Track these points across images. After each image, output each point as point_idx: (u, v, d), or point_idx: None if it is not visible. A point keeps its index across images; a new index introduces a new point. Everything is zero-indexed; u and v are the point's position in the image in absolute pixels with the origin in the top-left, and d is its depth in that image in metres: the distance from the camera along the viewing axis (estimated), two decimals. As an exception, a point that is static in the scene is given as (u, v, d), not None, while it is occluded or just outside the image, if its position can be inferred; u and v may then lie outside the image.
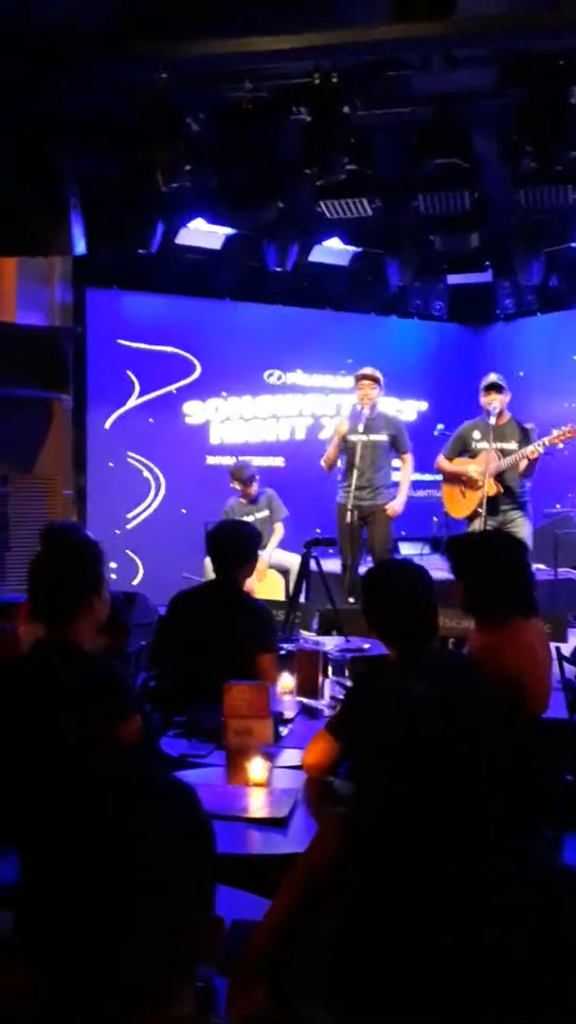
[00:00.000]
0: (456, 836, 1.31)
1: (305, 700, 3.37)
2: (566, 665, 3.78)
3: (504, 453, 6.34)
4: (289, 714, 3.20)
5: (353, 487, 6.51)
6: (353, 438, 6.57)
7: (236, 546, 3.78)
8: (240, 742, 2.69)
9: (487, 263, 8.74)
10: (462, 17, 4.76)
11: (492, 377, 6.47)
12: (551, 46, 5.05)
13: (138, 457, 8.39)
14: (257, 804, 2.31)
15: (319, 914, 1.43)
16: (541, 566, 7.32)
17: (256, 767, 2.45)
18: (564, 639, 4.84)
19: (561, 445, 6.52)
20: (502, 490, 6.33)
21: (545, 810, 2.78)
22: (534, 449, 6.15)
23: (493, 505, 6.32)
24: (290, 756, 2.70)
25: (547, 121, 5.19)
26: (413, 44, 5.06)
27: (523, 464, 6.24)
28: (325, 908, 1.42)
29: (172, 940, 0.87)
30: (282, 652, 3.84)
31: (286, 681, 3.50)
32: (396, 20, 4.79)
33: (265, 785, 2.43)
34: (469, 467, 6.46)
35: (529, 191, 5.80)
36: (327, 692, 3.44)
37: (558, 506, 8.48)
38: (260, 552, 4.21)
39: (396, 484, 6.82)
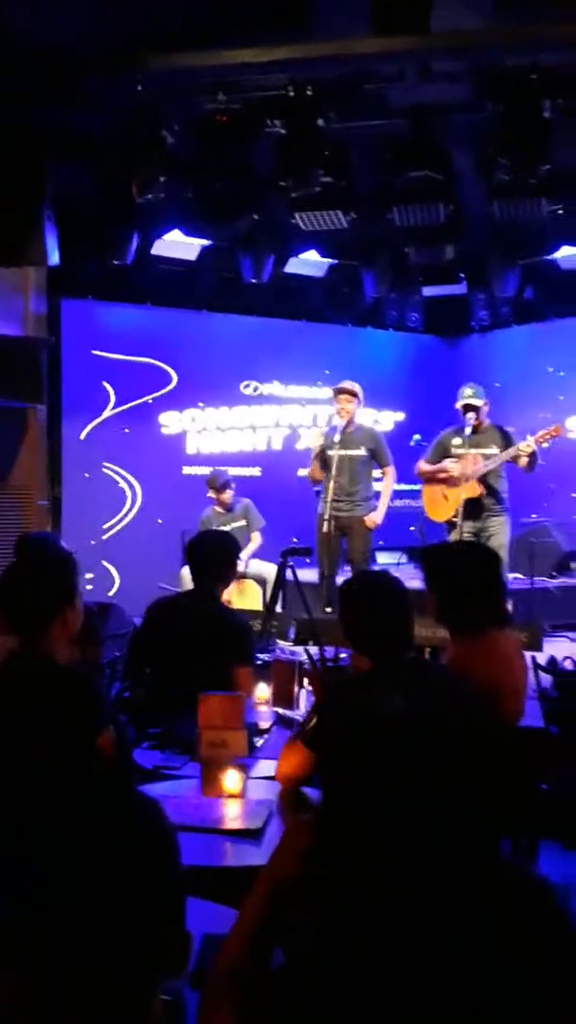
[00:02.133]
0: (433, 848, 1.30)
1: (281, 710, 3.36)
2: (541, 674, 3.79)
3: (485, 457, 6.37)
4: (264, 725, 3.19)
5: (331, 499, 6.51)
6: (331, 452, 6.58)
7: (216, 557, 3.76)
8: (214, 754, 2.67)
9: (462, 275, 8.80)
10: (438, 31, 4.81)
11: (467, 395, 6.47)
12: (525, 61, 5.10)
13: (114, 467, 8.36)
14: (231, 815, 2.30)
15: (286, 925, 1.41)
16: (518, 575, 7.35)
17: (230, 778, 2.44)
18: (539, 648, 4.85)
19: (547, 444, 6.53)
20: (484, 491, 6.35)
21: (521, 818, 2.78)
22: (527, 444, 6.16)
23: (474, 508, 6.33)
24: (265, 767, 2.69)
25: (521, 135, 5.24)
26: (390, 57, 5.10)
27: (523, 462, 6.24)
28: (291, 919, 1.40)
29: (135, 955, 0.86)
30: (258, 662, 3.83)
31: (262, 691, 3.49)
32: (373, 33, 4.83)
33: (239, 796, 2.42)
34: (450, 464, 6.46)
35: (503, 204, 5.85)
36: (303, 702, 3.43)
37: (534, 515, 8.53)
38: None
39: (377, 495, 6.83)
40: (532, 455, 6.20)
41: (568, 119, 5.34)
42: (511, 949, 1.25)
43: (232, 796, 2.41)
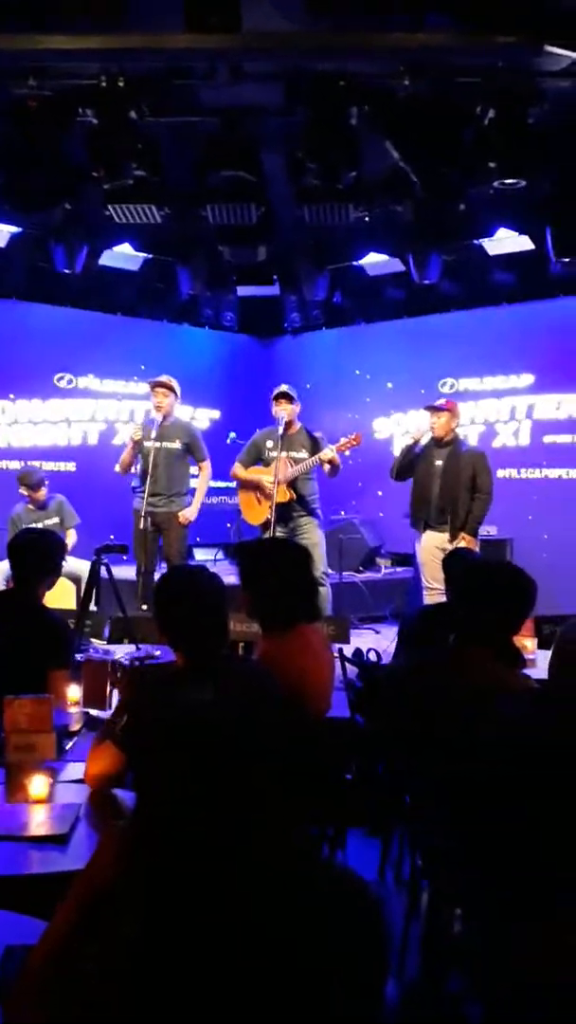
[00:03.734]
0: (240, 841, 1.32)
1: (92, 711, 3.30)
2: (348, 665, 3.91)
3: (295, 461, 6.53)
4: (75, 726, 3.13)
5: (147, 494, 6.48)
6: (148, 444, 6.55)
7: (38, 556, 3.64)
8: (21, 758, 2.61)
9: (275, 277, 8.94)
10: (249, 31, 4.86)
11: (282, 387, 6.65)
12: (334, 67, 5.23)
13: None
14: (37, 821, 2.24)
15: (100, 932, 1.40)
16: (328, 570, 7.55)
17: (36, 783, 2.37)
18: (347, 640, 5.02)
19: (348, 452, 6.79)
20: (294, 496, 6.52)
21: (329, 807, 2.86)
22: (326, 452, 6.38)
23: (284, 512, 6.49)
24: (75, 770, 2.63)
25: (329, 140, 5.38)
26: (200, 54, 5.10)
27: (326, 468, 6.46)
28: (106, 926, 1.39)
29: None
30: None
31: (73, 692, 3.42)
32: (187, 29, 4.82)
33: (46, 801, 2.36)
34: (263, 477, 6.60)
35: (312, 208, 5.98)
36: (115, 702, 3.38)
37: (342, 512, 8.81)
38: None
39: (192, 491, 6.85)
40: (333, 462, 6.44)
41: (375, 127, 5.53)
42: (321, 942, 1.29)
43: (38, 801, 2.35)
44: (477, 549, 6.40)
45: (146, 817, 1.43)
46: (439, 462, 6.44)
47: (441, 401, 6.69)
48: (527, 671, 3.02)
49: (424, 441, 6.64)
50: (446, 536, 6.33)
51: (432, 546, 6.38)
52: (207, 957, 1.27)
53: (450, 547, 6.23)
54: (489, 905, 2.14)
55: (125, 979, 1.30)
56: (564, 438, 8.18)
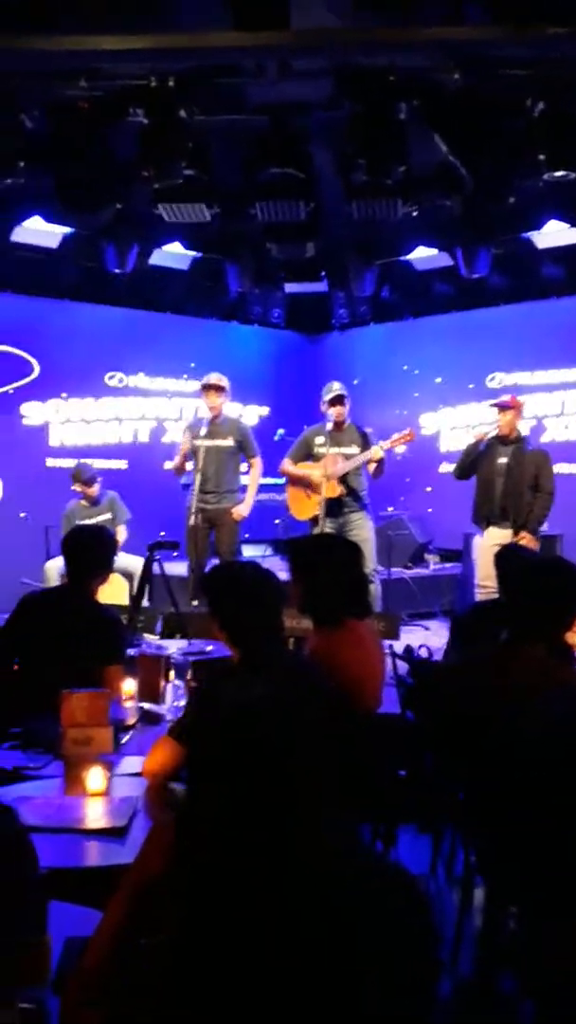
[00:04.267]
0: (291, 838, 1.33)
1: (146, 705, 3.34)
2: (398, 662, 3.91)
3: (346, 457, 6.52)
4: (130, 721, 3.17)
5: (198, 491, 6.53)
6: (197, 443, 6.59)
7: (92, 552, 3.68)
8: (78, 752, 2.65)
9: (322, 273, 8.94)
10: (298, 28, 4.86)
11: (336, 388, 6.61)
12: (382, 62, 5.22)
13: (-27, 459, 8.13)
14: (95, 814, 2.28)
15: (153, 925, 1.42)
16: (378, 567, 7.55)
17: (94, 777, 2.41)
18: (397, 637, 5.00)
19: (402, 448, 6.74)
20: (344, 491, 6.50)
21: (379, 804, 2.87)
22: (376, 451, 6.35)
23: (335, 507, 6.48)
24: (131, 763, 2.67)
25: (378, 135, 5.37)
26: (249, 52, 5.12)
27: (372, 467, 6.43)
28: (158, 918, 1.41)
29: None
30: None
31: (128, 686, 3.47)
32: (233, 28, 4.84)
33: (104, 795, 2.40)
34: (313, 472, 6.59)
35: (361, 204, 5.97)
36: (169, 696, 3.42)
37: (390, 509, 8.78)
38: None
39: (244, 488, 6.88)
40: (381, 461, 6.41)
41: (424, 121, 5.51)
42: (369, 938, 1.30)
43: (96, 795, 2.39)
44: (537, 548, 6.31)
45: (194, 810, 1.44)
46: (503, 460, 6.35)
47: (506, 398, 6.59)
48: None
49: (487, 439, 6.57)
50: (508, 534, 6.25)
51: (493, 544, 6.26)
52: (252, 952, 1.27)
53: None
54: (542, 904, 2.14)
55: (170, 973, 1.31)
56: (617, 432, 8.07)
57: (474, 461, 6.52)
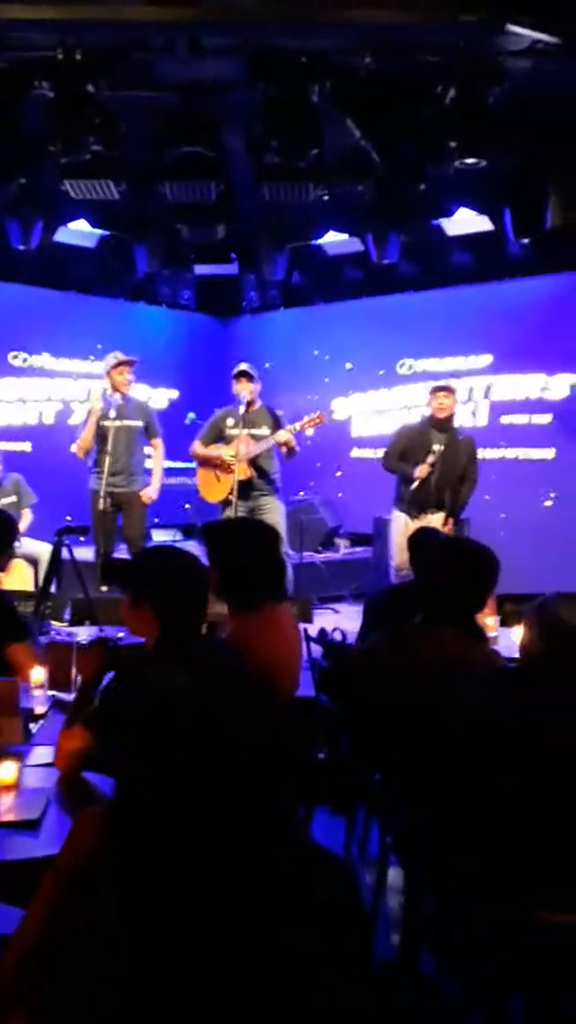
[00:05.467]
0: (221, 825, 1.31)
1: (57, 694, 3.27)
2: (313, 645, 3.92)
3: (256, 439, 6.47)
4: (40, 709, 3.09)
5: (106, 473, 6.39)
6: (106, 423, 6.44)
7: None
8: (-12, 743, 2.57)
9: (233, 255, 8.87)
10: (209, 4, 4.79)
11: (242, 366, 6.58)
12: (296, 43, 5.18)
13: None
14: (5, 807, 2.21)
15: (78, 918, 1.38)
16: (289, 550, 7.56)
17: (4, 768, 2.35)
18: (310, 620, 5.03)
19: (310, 431, 6.74)
20: (255, 473, 6.45)
21: (299, 786, 2.87)
22: (285, 434, 6.31)
23: (245, 489, 6.43)
24: (42, 753, 2.60)
25: (290, 117, 5.34)
26: (160, 27, 5.02)
27: (284, 450, 6.38)
28: (84, 912, 1.37)
29: None
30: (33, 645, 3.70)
31: (37, 675, 3.38)
32: (144, 2, 4.74)
33: (14, 787, 2.33)
34: (223, 451, 6.53)
35: (273, 186, 5.93)
36: (77, 680, 3.35)
37: (302, 493, 8.80)
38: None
39: (149, 471, 6.78)
40: (288, 444, 6.36)
41: (337, 105, 5.49)
42: (306, 921, 1.29)
43: (6, 787, 2.32)
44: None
45: (128, 802, 1.41)
46: (438, 446, 6.32)
47: (446, 382, 6.59)
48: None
49: (415, 421, 6.52)
50: (439, 520, 6.28)
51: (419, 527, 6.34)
52: (191, 939, 1.26)
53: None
54: (463, 883, 2.17)
55: (106, 967, 1.29)
56: (521, 418, 8.25)
57: (405, 449, 6.47)
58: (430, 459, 6.28)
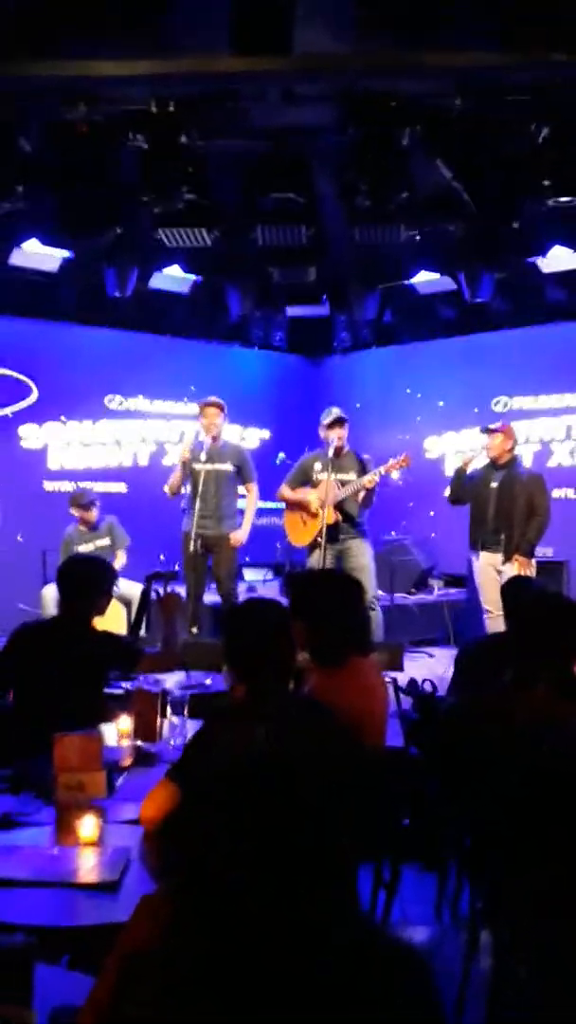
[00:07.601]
0: (297, 904, 1.25)
1: (143, 744, 3.24)
2: (401, 696, 3.83)
3: (343, 483, 6.46)
4: (125, 762, 3.07)
5: (197, 515, 6.44)
6: (197, 467, 6.51)
7: (88, 580, 3.60)
8: (71, 797, 2.56)
9: (324, 297, 8.90)
10: (300, 53, 4.83)
11: (335, 412, 6.57)
12: (385, 87, 5.18)
13: (-29, 483, 8.06)
14: (86, 867, 2.18)
15: (138, 998, 1.32)
16: (379, 593, 7.46)
17: (86, 825, 2.31)
18: (401, 668, 4.92)
19: (396, 474, 6.69)
20: (341, 518, 6.44)
21: (384, 842, 2.78)
22: (371, 478, 6.31)
23: (332, 533, 6.42)
24: (126, 809, 2.57)
25: (380, 161, 5.33)
26: (250, 78, 5.09)
27: (362, 494, 6.38)
28: (145, 990, 1.32)
29: None
30: (119, 692, 3.70)
31: (123, 724, 3.36)
32: (235, 53, 4.81)
33: (96, 844, 2.29)
34: (310, 496, 6.54)
35: (363, 228, 5.94)
36: (167, 734, 3.31)
37: (393, 533, 8.70)
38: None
39: (241, 512, 6.81)
40: (371, 490, 6.38)
41: (427, 146, 5.47)
42: (373, 1014, 1.22)
43: (88, 844, 2.29)
44: (533, 571, 6.28)
45: (194, 873, 1.35)
46: (494, 484, 6.38)
47: (496, 424, 6.60)
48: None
49: (478, 463, 6.55)
50: (500, 557, 6.25)
51: (487, 566, 6.35)
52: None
53: (504, 568, 6.14)
54: (551, 954, 2.05)
55: None
56: (621, 457, 8.00)
57: (464, 486, 6.51)
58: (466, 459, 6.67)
